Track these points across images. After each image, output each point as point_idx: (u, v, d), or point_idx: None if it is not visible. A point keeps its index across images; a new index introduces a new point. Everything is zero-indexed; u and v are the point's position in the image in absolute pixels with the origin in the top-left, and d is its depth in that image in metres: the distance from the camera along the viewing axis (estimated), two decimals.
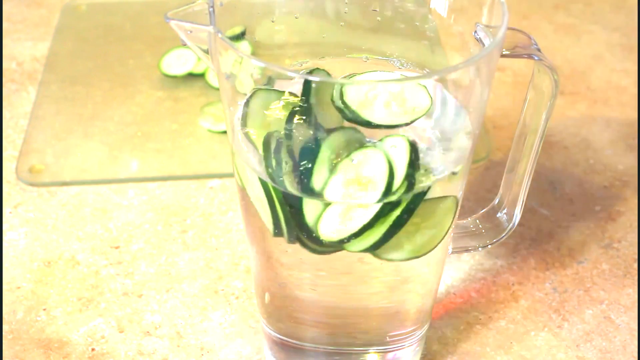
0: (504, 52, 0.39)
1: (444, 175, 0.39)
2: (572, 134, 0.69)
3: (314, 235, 0.38)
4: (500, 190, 0.48)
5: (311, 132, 0.38)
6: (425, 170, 0.39)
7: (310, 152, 0.37)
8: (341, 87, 0.38)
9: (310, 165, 0.37)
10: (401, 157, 0.37)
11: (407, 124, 0.38)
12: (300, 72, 0.43)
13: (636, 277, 0.56)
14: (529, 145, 0.44)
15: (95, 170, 0.64)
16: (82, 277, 0.55)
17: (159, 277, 0.56)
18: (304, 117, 0.38)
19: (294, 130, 0.38)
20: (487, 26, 0.40)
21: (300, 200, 0.38)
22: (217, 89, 0.71)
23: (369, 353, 0.47)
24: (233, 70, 0.38)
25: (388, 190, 0.37)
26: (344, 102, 0.38)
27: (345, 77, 0.43)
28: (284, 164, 0.38)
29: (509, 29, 0.39)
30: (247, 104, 0.40)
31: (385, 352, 0.47)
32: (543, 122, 0.43)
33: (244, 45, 0.43)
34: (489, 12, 0.40)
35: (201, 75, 0.74)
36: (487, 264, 0.57)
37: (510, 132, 0.68)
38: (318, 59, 0.45)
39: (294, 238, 0.40)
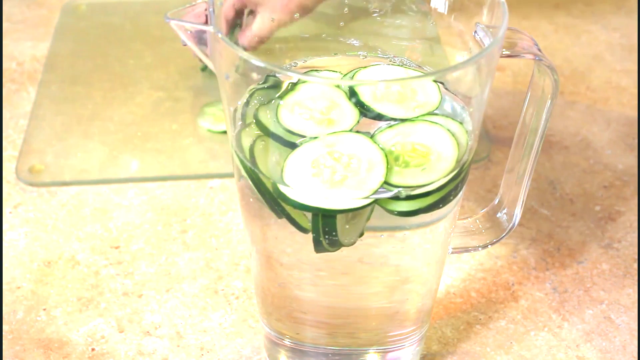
0: (504, 52, 0.39)
1: None
2: (572, 134, 0.69)
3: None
4: (500, 190, 0.48)
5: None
6: None
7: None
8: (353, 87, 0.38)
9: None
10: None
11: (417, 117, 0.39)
12: (300, 73, 0.43)
13: (636, 277, 0.56)
14: (529, 145, 0.44)
15: (95, 170, 0.64)
16: (82, 277, 0.55)
17: (159, 277, 0.56)
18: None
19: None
20: (487, 26, 0.40)
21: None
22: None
23: (369, 353, 0.47)
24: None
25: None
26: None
27: (351, 72, 0.43)
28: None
29: (509, 29, 0.39)
30: (247, 103, 0.40)
31: (385, 352, 0.47)
32: (543, 122, 0.43)
33: None
34: (489, 12, 0.40)
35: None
36: (487, 264, 0.57)
37: (510, 132, 0.68)
38: (317, 58, 0.45)
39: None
